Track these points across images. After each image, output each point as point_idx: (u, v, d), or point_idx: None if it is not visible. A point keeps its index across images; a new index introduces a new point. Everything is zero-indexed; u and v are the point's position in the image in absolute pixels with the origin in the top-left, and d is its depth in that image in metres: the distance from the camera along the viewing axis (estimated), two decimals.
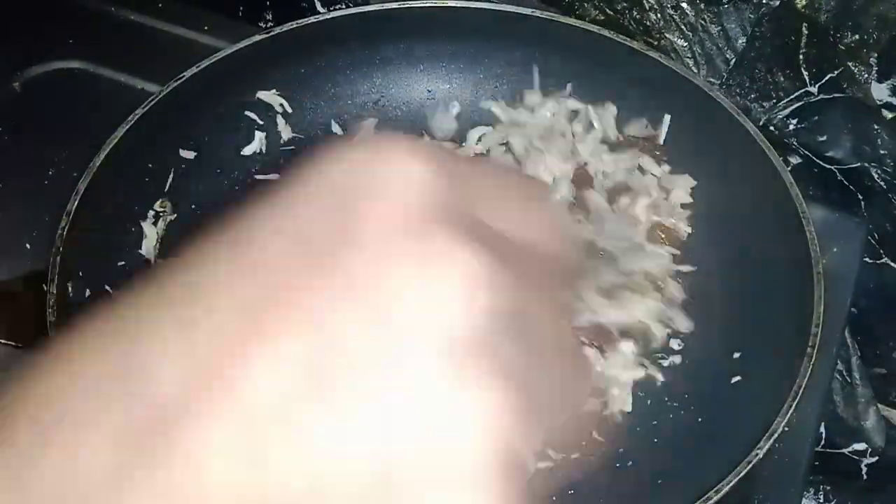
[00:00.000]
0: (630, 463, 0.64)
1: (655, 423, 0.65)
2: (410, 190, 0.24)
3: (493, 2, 0.75)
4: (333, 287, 0.23)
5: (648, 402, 0.66)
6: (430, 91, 0.79)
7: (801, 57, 0.77)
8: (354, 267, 0.23)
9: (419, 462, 0.22)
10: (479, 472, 0.22)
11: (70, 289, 0.62)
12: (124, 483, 0.21)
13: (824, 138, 0.79)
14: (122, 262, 0.68)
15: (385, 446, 0.22)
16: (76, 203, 0.63)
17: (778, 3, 0.75)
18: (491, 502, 0.22)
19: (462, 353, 0.23)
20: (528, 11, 0.75)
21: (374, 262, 0.23)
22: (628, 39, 0.73)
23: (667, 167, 0.72)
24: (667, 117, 0.73)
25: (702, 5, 0.78)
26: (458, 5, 0.75)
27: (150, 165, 0.72)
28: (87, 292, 0.63)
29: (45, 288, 0.59)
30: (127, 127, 0.68)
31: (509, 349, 0.23)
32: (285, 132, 0.77)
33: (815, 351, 0.58)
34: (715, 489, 0.54)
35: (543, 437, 0.24)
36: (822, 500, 0.82)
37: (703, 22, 0.79)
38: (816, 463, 0.79)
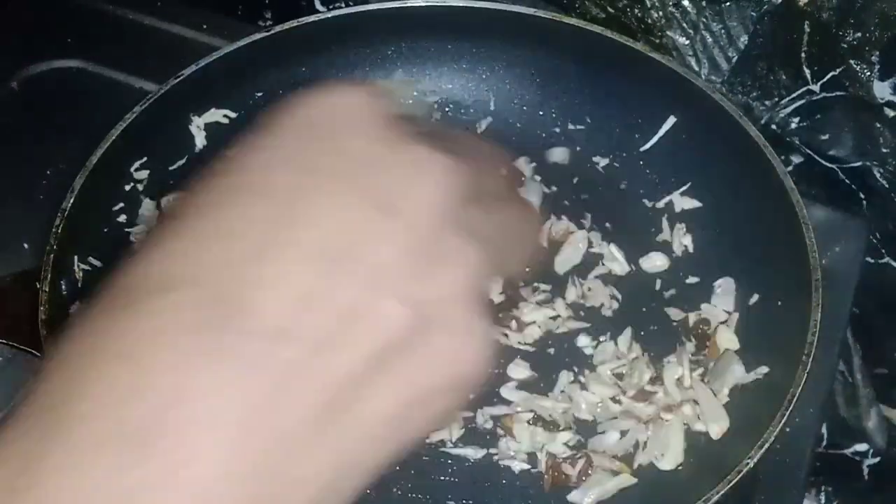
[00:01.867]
0: None
1: None
2: (379, 116, 0.31)
3: (493, 2, 0.75)
4: (342, 191, 0.29)
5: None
6: (431, 90, 0.79)
7: (802, 55, 0.76)
8: (353, 173, 0.29)
9: (423, 312, 0.28)
10: (469, 315, 0.29)
11: (64, 287, 0.62)
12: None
13: (826, 137, 0.79)
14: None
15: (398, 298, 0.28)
16: (71, 201, 0.63)
17: (780, 1, 0.75)
18: (479, 338, 0.29)
19: (441, 225, 0.29)
20: (528, 11, 0.74)
21: (367, 167, 0.29)
22: (629, 40, 0.73)
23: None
24: (671, 119, 0.73)
25: (703, 3, 0.78)
26: (458, 5, 0.75)
27: (148, 164, 0.72)
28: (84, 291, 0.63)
29: (38, 286, 0.59)
30: (124, 125, 0.68)
31: (475, 216, 0.31)
32: None
33: (811, 359, 0.57)
34: (704, 498, 0.54)
35: (504, 276, 0.32)
36: (823, 501, 0.82)
37: (704, 20, 0.78)
38: (818, 463, 0.79)
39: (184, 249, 0.28)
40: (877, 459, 0.83)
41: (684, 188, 0.73)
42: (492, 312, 0.31)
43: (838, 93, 0.77)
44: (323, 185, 0.29)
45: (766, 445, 0.55)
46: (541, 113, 0.78)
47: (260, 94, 0.75)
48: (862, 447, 0.83)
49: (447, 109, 0.79)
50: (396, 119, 0.32)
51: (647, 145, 0.75)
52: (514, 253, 0.35)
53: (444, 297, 0.29)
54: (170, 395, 0.25)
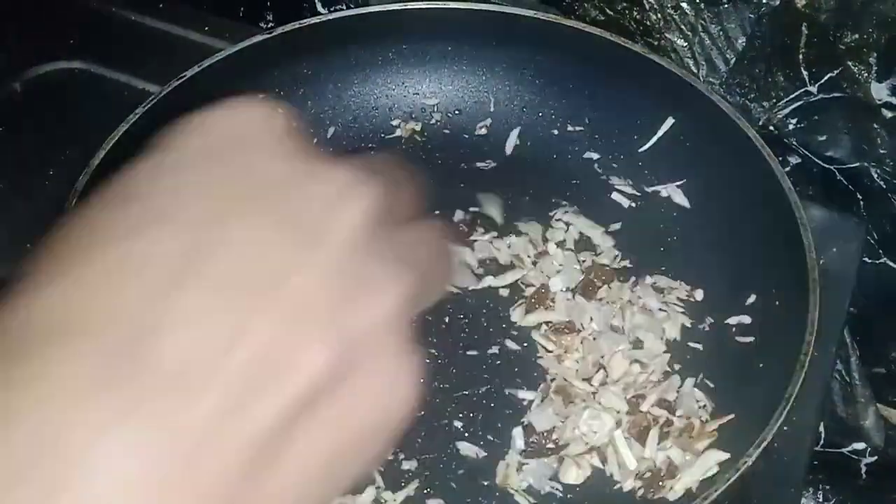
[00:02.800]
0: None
1: None
2: (285, 135, 0.29)
3: (492, 2, 0.75)
4: (255, 218, 0.26)
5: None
6: (431, 91, 0.79)
7: (800, 56, 0.77)
8: (267, 197, 0.27)
9: (348, 347, 0.26)
10: (397, 345, 0.27)
11: None
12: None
13: (824, 138, 0.79)
14: None
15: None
16: (74, 202, 0.63)
17: (778, 2, 0.75)
18: (409, 369, 0.27)
19: (364, 251, 0.27)
20: (528, 12, 0.75)
21: (282, 190, 0.27)
22: (628, 42, 0.73)
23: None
24: (669, 120, 0.73)
25: (701, 5, 0.78)
26: (458, 6, 0.75)
27: None
28: None
29: None
30: (126, 126, 0.68)
31: (396, 239, 0.28)
32: None
33: (808, 359, 0.58)
34: (703, 496, 0.54)
35: (430, 300, 0.30)
36: (821, 500, 0.82)
37: (702, 22, 0.79)
38: (816, 462, 0.79)
39: (74, 290, 0.25)
40: (874, 458, 0.84)
41: (682, 188, 0.74)
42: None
43: (836, 94, 0.77)
44: (234, 211, 0.26)
45: (765, 444, 0.55)
46: (540, 114, 0.78)
47: (262, 96, 0.75)
48: (859, 446, 0.84)
49: (447, 111, 0.79)
50: (301, 138, 0.29)
51: (646, 146, 0.75)
52: (437, 275, 0.32)
53: (370, 328, 0.26)
54: (66, 472, 0.23)
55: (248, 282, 0.25)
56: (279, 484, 0.25)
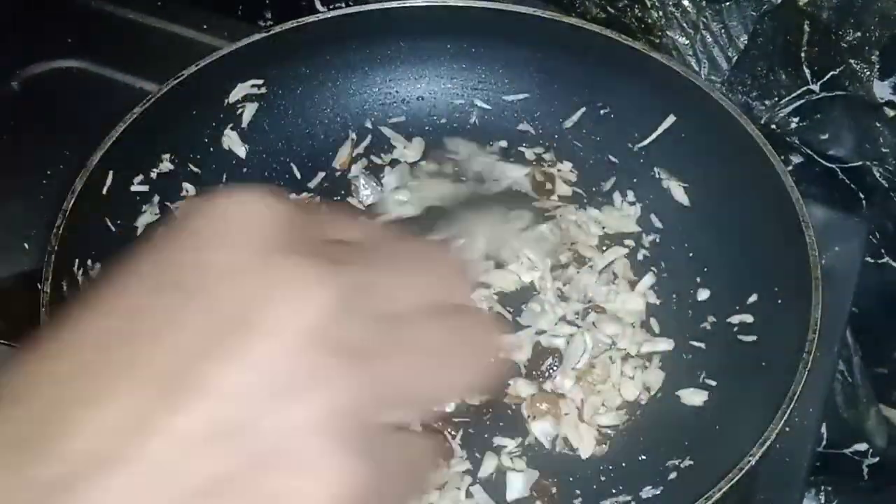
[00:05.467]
0: (622, 471, 0.64)
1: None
2: (249, 226, 0.29)
3: (492, 1, 0.75)
4: (191, 310, 0.27)
5: (642, 409, 0.66)
6: (431, 91, 0.79)
7: (802, 55, 0.76)
8: (210, 289, 0.27)
9: (264, 445, 0.26)
10: (322, 449, 0.26)
11: (65, 288, 0.62)
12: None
13: (826, 136, 0.79)
14: None
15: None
16: (72, 201, 0.63)
17: (780, 0, 0.75)
18: (330, 474, 0.26)
19: (307, 346, 0.26)
20: (529, 10, 0.74)
21: (227, 282, 0.27)
22: (629, 39, 0.73)
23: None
24: (670, 118, 0.73)
25: (703, 3, 0.78)
26: (458, 5, 0.75)
27: (148, 164, 0.72)
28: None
29: (40, 287, 0.59)
30: (125, 125, 0.67)
31: (364, 331, 0.28)
32: None
33: (811, 357, 0.57)
34: (705, 496, 0.54)
35: (405, 403, 0.29)
36: (823, 501, 0.82)
37: (704, 20, 0.78)
38: (818, 463, 0.79)
39: (33, 361, 0.27)
40: (876, 459, 0.83)
41: (683, 186, 0.73)
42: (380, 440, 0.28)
43: (838, 92, 0.77)
44: (173, 304, 0.27)
45: (767, 444, 0.55)
46: (540, 113, 0.78)
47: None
48: (861, 447, 0.83)
49: (446, 110, 0.79)
50: (304, 227, 0.29)
51: (646, 143, 0.75)
52: (433, 379, 0.30)
53: (294, 427, 0.26)
54: None
55: (169, 372, 0.26)
56: None
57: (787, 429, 0.60)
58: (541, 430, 0.65)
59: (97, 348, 0.26)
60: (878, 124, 0.77)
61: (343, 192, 0.76)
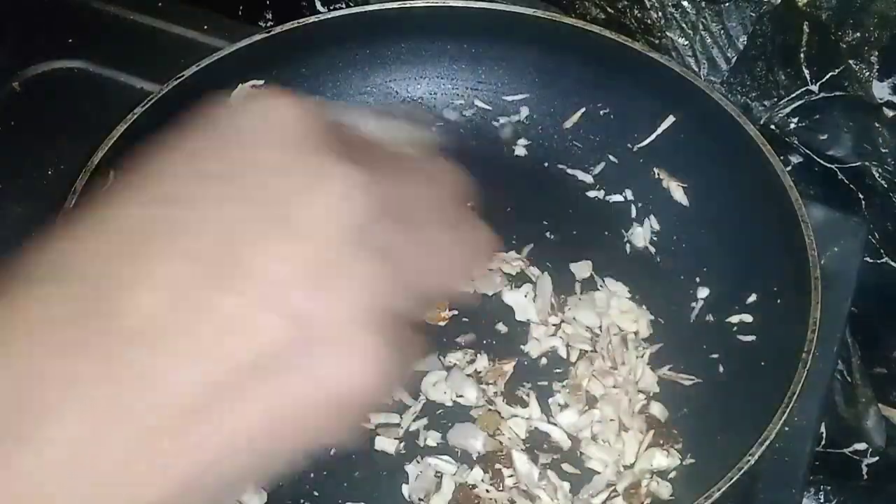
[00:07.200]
0: None
1: None
2: (290, 127, 0.30)
3: (493, 3, 0.75)
4: (237, 200, 0.29)
5: None
6: (431, 91, 0.79)
7: (801, 55, 0.77)
8: (254, 183, 0.29)
9: (307, 328, 0.28)
10: (359, 334, 0.28)
11: None
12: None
13: (825, 137, 0.79)
14: None
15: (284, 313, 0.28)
16: (73, 202, 0.63)
17: (779, 1, 0.75)
18: (367, 359, 0.28)
19: (341, 240, 0.28)
20: (528, 10, 0.74)
21: (270, 177, 0.29)
22: (629, 40, 0.73)
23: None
24: (670, 118, 0.73)
25: (702, 3, 0.78)
26: (458, 5, 0.75)
27: None
28: None
29: None
30: (126, 126, 0.67)
31: (391, 234, 0.30)
32: None
33: (811, 356, 0.58)
34: (705, 496, 0.54)
35: (414, 296, 0.31)
36: (822, 500, 0.82)
37: (704, 20, 0.79)
38: (817, 463, 0.79)
39: (72, 243, 0.29)
40: (875, 459, 0.83)
41: (683, 187, 0.73)
42: (412, 333, 0.31)
43: (837, 93, 0.77)
44: (219, 193, 0.29)
45: (767, 443, 0.55)
46: (539, 114, 0.78)
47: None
48: (861, 446, 0.83)
49: (446, 110, 0.79)
50: (331, 133, 0.31)
51: (646, 144, 0.75)
52: (439, 276, 0.33)
53: (333, 314, 0.28)
54: (22, 383, 0.26)
55: (218, 258, 0.27)
56: (206, 443, 0.27)
57: (787, 428, 0.60)
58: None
59: (142, 230, 0.28)
60: (878, 125, 0.77)
61: None
